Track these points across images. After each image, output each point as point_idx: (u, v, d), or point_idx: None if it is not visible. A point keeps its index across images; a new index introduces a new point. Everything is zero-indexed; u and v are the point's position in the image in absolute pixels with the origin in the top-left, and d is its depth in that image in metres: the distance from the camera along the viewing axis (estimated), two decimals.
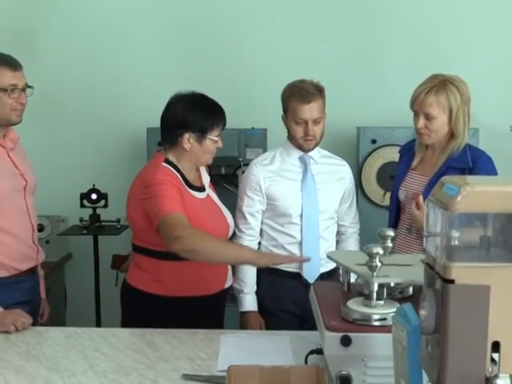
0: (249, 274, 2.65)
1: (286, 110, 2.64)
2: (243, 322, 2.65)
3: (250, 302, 2.65)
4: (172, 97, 2.43)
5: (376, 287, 1.66)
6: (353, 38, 3.72)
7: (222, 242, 2.34)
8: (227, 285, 2.50)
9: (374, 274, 1.65)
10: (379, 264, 1.65)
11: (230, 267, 2.52)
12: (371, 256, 1.65)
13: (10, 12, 3.78)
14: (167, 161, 2.38)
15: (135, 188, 2.40)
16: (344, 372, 1.59)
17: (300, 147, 2.66)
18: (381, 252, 1.66)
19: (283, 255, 2.48)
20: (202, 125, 2.36)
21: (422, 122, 2.43)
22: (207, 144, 2.39)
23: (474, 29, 3.68)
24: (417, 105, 2.44)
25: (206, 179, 2.52)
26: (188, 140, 2.36)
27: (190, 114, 2.36)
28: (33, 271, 2.47)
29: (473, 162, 2.43)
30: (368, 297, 1.68)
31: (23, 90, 2.34)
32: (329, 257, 1.99)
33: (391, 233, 1.82)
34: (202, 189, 2.46)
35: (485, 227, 1.17)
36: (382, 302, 1.67)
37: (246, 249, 2.28)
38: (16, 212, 2.37)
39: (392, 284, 1.76)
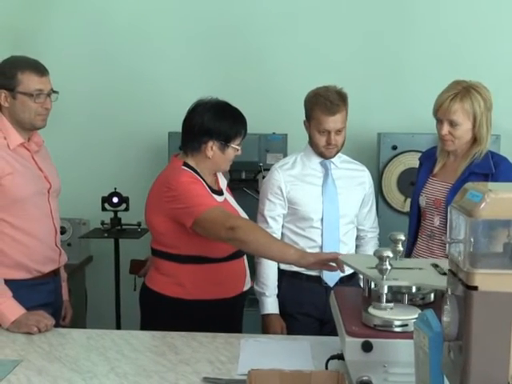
0: (271, 277, 2.67)
1: (309, 117, 2.65)
2: (265, 324, 2.66)
3: (271, 305, 2.66)
4: (195, 104, 2.44)
5: (386, 290, 1.68)
6: (374, 44, 3.71)
7: (272, 237, 2.34)
8: (246, 288, 2.51)
9: (384, 276, 1.67)
10: (389, 267, 1.68)
11: (248, 270, 2.53)
12: (381, 259, 1.68)
13: (18, 13, 3.82)
14: (186, 164, 2.40)
15: (155, 192, 2.41)
16: (365, 378, 1.59)
17: (321, 154, 2.67)
18: (390, 255, 1.68)
19: (328, 252, 2.34)
20: (226, 134, 2.38)
21: (446, 128, 2.43)
22: (229, 152, 2.41)
23: (496, 35, 3.66)
24: (441, 112, 2.43)
25: (222, 183, 2.54)
26: (211, 148, 2.38)
27: (217, 123, 2.37)
28: (55, 273, 2.49)
29: (495, 168, 2.43)
30: (378, 299, 1.69)
31: (48, 95, 2.37)
32: (341, 260, 2.00)
33: (402, 236, 1.86)
34: (220, 192, 2.48)
35: (509, 234, 1.16)
36: (391, 305, 1.68)
37: (293, 249, 2.24)
38: (39, 214, 2.39)
39: (414, 290, 1.76)
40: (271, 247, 2.21)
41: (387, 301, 1.68)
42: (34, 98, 2.32)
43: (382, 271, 1.67)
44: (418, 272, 1.80)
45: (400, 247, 1.85)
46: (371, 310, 1.68)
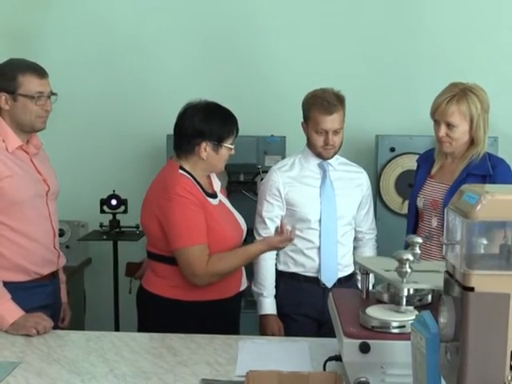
0: (268, 278, 2.69)
1: (306, 118, 2.66)
2: (262, 325, 2.68)
3: (269, 306, 2.68)
4: (185, 107, 2.45)
5: (405, 293, 1.67)
6: (372, 46, 3.72)
7: (231, 254, 2.40)
8: (242, 287, 2.53)
9: (404, 280, 1.66)
10: (409, 270, 1.66)
11: (244, 270, 2.55)
12: (401, 262, 1.66)
13: (16, 15, 3.82)
14: (182, 168, 2.41)
15: (152, 197, 2.42)
16: (362, 379, 1.60)
17: (319, 155, 2.68)
18: (411, 258, 1.66)
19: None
20: (218, 134, 2.39)
21: (443, 130, 2.45)
22: (223, 152, 2.42)
23: (493, 37, 3.67)
24: (438, 114, 2.45)
25: (216, 185, 2.54)
26: (205, 149, 2.39)
27: (208, 123, 2.39)
28: (54, 276, 2.49)
29: (492, 170, 2.44)
30: (398, 302, 1.68)
31: (48, 97, 2.37)
32: (357, 262, 2.00)
33: (419, 239, 1.84)
34: (214, 195, 2.49)
35: (505, 235, 1.17)
36: (411, 308, 1.67)
37: (249, 247, 2.47)
38: (38, 217, 2.39)
39: (411, 291, 1.76)
40: (237, 261, 2.41)
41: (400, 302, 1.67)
42: (35, 100, 2.32)
43: (401, 274, 1.65)
44: (436, 275, 1.79)
45: (417, 250, 1.83)
46: (369, 311, 1.68)
